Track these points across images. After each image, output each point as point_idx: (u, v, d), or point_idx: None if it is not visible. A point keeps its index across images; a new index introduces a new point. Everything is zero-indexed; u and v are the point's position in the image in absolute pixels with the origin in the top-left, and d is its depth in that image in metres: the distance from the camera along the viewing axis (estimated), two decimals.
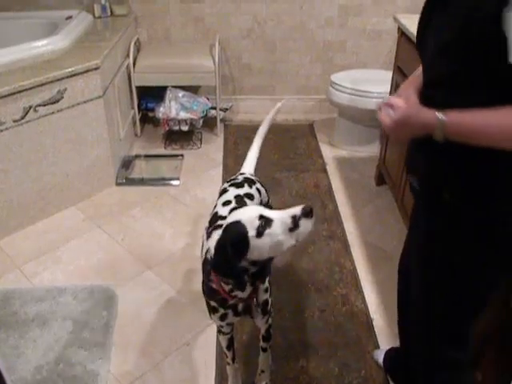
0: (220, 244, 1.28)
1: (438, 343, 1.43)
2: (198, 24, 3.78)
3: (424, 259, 1.38)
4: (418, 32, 1.29)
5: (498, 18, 0.99)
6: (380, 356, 2.04)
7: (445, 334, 1.41)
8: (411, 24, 2.58)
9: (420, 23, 1.27)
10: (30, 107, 2.56)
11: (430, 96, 1.21)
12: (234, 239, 1.25)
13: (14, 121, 2.53)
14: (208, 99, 3.64)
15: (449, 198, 1.22)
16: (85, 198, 3.02)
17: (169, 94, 3.49)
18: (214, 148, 3.63)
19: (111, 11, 3.63)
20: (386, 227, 2.83)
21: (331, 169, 3.36)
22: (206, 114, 3.58)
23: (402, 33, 2.64)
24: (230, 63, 3.92)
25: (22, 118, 2.55)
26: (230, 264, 1.26)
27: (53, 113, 2.68)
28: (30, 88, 2.53)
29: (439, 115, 1.10)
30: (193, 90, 3.73)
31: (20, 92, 2.50)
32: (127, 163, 3.35)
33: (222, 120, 3.82)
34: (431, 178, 1.27)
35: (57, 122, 2.72)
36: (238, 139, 3.66)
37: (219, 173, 3.32)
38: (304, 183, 3.20)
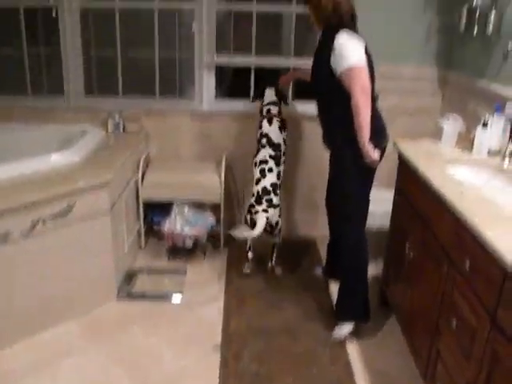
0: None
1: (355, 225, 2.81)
2: (205, 141, 3.91)
3: (335, 188, 2.98)
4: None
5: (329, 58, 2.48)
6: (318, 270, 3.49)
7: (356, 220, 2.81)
8: (410, 150, 2.68)
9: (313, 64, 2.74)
10: (39, 220, 2.61)
11: (318, 102, 2.78)
12: None
13: (22, 233, 2.56)
14: (213, 214, 3.70)
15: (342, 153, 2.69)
16: (85, 311, 2.97)
17: (175, 209, 3.55)
18: (217, 263, 3.64)
19: (124, 128, 3.77)
20: (389, 350, 2.77)
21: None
22: (211, 230, 3.63)
23: (402, 157, 2.74)
24: (235, 180, 4.01)
25: (30, 230, 2.59)
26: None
27: (60, 226, 2.71)
28: (41, 202, 2.59)
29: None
30: (198, 203, 3.78)
31: (30, 205, 2.55)
32: (130, 276, 3.35)
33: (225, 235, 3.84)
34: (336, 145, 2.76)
35: (63, 235, 2.75)
36: (241, 254, 3.65)
37: (222, 288, 3.31)
38: None
